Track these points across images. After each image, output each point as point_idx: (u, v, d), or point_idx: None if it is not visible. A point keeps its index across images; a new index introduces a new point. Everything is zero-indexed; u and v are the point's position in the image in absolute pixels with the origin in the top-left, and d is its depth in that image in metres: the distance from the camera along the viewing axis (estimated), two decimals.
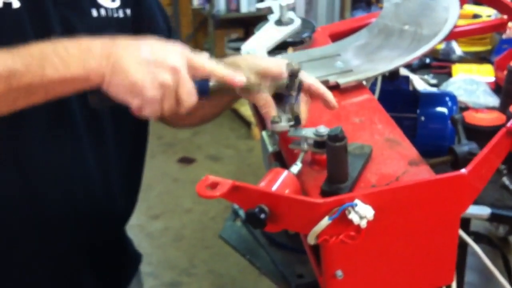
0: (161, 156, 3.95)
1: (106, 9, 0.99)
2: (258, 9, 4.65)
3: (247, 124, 4.22)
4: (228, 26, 4.93)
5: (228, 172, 3.62)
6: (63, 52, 0.76)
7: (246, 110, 4.20)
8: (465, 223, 1.17)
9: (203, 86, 0.82)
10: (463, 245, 0.90)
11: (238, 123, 4.38)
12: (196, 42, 5.29)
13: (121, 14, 1.02)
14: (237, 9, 4.64)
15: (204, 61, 0.80)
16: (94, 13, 0.98)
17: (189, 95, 0.78)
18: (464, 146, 0.87)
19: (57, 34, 0.92)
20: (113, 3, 1.01)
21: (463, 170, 0.73)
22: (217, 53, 4.81)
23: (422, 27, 1.17)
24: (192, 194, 3.40)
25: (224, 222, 1.43)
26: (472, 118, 1.21)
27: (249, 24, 4.80)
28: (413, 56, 1.10)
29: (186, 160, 3.86)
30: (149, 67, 0.75)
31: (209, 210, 3.22)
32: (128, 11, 1.03)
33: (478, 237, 1.49)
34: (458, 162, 0.87)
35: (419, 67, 1.94)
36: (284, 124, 0.85)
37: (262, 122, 1.10)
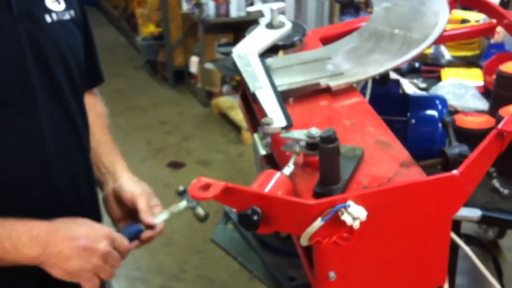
0: (150, 161, 3.94)
1: (56, 13, 1.03)
2: (248, 14, 4.64)
3: (237, 128, 4.22)
4: (218, 31, 4.93)
5: (218, 177, 3.59)
6: (15, 239, 0.92)
7: (236, 114, 4.20)
8: (456, 225, 1.18)
9: (134, 233, 1.07)
10: (454, 247, 0.90)
11: (228, 128, 4.38)
12: (185, 47, 5.29)
13: (67, 16, 1.06)
14: (227, 14, 4.65)
15: (122, 242, 1.03)
16: (48, 19, 1.01)
17: (117, 262, 1.01)
18: (455, 148, 0.88)
19: (26, 49, 0.97)
20: (60, 6, 1.05)
21: (454, 172, 0.73)
22: (207, 58, 4.81)
23: (412, 31, 1.18)
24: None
25: (214, 226, 1.43)
26: (462, 121, 1.22)
27: (238, 29, 4.81)
28: (403, 59, 1.10)
29: (176, 165, 3.85)
30: (84, 255, 0.95)
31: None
32: (72, 12, 1.07)
33: (468, 240, 1.50)
34: (449, 164, 0.87)
35: (408, 71, 1.95)
36: (276, 126, 0.85)
37: (253, 125, 1.10)
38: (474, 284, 1.89)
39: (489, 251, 1.62)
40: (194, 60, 5.05)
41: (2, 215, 0.94)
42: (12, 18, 0.95)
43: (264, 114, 0.90)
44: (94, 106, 1.24)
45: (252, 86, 0.98)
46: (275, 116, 0.88)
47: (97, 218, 1.20)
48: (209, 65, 4.73)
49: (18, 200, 1.00)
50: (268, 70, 1.01)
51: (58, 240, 0.94)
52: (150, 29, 5.61)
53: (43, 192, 1.03)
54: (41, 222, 0.95)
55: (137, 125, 4.41)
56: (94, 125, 1.20)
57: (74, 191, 1.10)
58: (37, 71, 0.99)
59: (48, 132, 1.02)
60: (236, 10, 4.63)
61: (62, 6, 1.05)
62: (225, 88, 4.80)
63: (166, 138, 4.29)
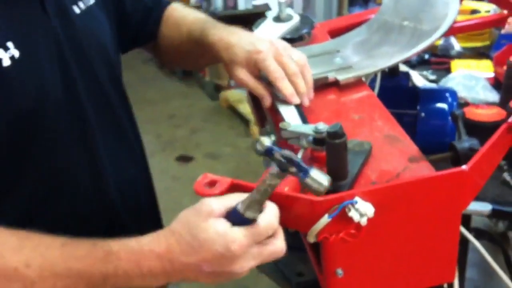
0: (159, 154, 3.94)
1: (82, 0, 0.94)
2: (255, 6, 4.63)
3: (246, 122, 4.21)
4: (225, 24, 4.92)
5: (227, 170, 3.61)
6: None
7: (244, 107, 4.19)
8: (466, 220, 1.17)
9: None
10: (464, 242, 0.89)
11: (236, 121, 4.37)
12: None
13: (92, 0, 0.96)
14: (234, 7, 4.63)
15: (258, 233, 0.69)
16: (76, 10, 0.92)
17: (269, 246, 0.72)
18: (464, 142, 0.86)
19: (66, 52, 0.87)
20: None
21: (464, 167, 0.72)
22: None
23: (422, 22, 1.17)
24: (191, 192, 3.37)
25: None
26: (472, 113, 1.20)
27: (246, 22, 4.78)
28: (413, 51, 1.09)
29: (185, 159, 3.85)
30: (216, 277, 0.73)
31: None
32: None
33: (479, 233, 1.49)
34: (459, 158, 0.86)
35: (418, 63, 1.92)
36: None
37: (261, 119, 1.09)
38: (485, 277, 1.87)
39: (500, 244, 1.60)
40: None
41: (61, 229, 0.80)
42: (46, 17, 0.85)
43: (276, 114, 0.89)
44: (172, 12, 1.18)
45: None
46: (292, 120, 0.86)
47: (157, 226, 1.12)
48: None
49: (74, 211, 0.92)
50: None
51: (177, 272, 0.72)
52: None
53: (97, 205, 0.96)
54: (148, 254, 0.72)
55: (146, 118, 4.41)
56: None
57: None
58: (80, 72, 0.89)
59: (99, 140, 0.93)
60: (244, 3, 4.61)
61: None
62: (233, 81, 4.78)
63: (175, 131, 4.29)
